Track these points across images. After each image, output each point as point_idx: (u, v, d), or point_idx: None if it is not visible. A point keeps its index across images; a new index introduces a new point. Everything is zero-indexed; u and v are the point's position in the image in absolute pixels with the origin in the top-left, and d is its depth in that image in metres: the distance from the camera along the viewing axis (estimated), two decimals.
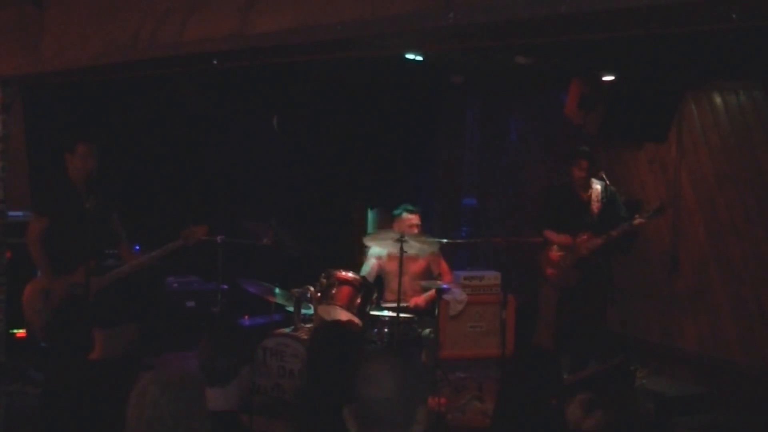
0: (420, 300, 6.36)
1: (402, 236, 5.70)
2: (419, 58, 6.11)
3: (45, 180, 5.81)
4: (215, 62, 4.72)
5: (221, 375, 2.93)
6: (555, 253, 6.57)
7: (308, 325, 5.84)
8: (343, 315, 5.79)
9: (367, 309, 5.90)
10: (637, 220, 6.29)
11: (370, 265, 6.43)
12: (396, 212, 6.43)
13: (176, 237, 5.55)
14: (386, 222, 6.95)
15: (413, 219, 6.34)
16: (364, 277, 6.08)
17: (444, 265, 6.66)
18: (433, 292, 6.27)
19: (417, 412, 2.41)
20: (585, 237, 6.39)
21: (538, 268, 6.78)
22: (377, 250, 6.43)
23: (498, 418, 3.07)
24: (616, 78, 6.42)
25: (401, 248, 5.68)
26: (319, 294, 5.83)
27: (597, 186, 6.52)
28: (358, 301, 5.86)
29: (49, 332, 5.22)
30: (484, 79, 8.16)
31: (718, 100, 6.85)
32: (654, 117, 6.59)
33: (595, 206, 6.50)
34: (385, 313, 5.98)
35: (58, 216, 5.34)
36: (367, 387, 2.42)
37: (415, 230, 6.24)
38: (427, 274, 6.48)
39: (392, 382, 2.40)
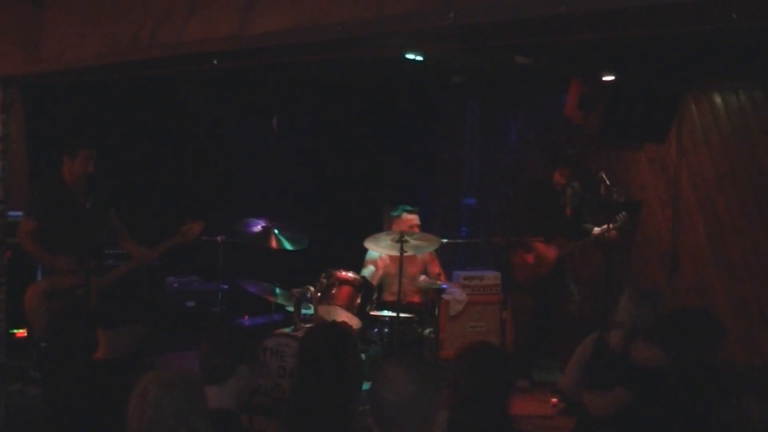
0: (415, 296, 6.40)
1: (402, 236, 5.70)
2: (419, 58, 6.10)
3: (38, 182, 5.79)
4: (215, 62, 4.72)
5: (218, 373, 2.95)
6: (527, 255, 6.65)
7: (308, 325, 5.83)
8: (343, 315, 5.79)
9: (367, 309, 5.90)
10: (596, 231, 6.40)
11: (369, 272, 6.41)
12: (395, 213, 6.43)
13: (175, 234, 5.56)
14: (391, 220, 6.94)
15: (413, 219, 6.34)
16: (364, 277, 6.08)
17: (438, 266, 6.67)
18: (425, 279, 6.31)
19: (436, 415, 2.38)
20: (558, 242, 6.52)
21: (510, 272, 6.76)
22: (375, 254, 6.42)
23: (452, 417, 3.04)
24: (616, 78, 6.42)
25: (401, 248, 5.68)
26: (319, 294, 5.82)
27: (569, 190, 6.57)
28: (358, 301, 5.85)
29: (52, 333, 5.22)
30: (484, 79, 8.16)
31: (718, 100, 6.85)
32: (654, 117, 6.58)
33: (568, 210, 6.63)
34: (385, 313, 5.98)
35: (51, 218, 5.32)
36: (384, 390, 2.39)
37: (416, 230, 6.25)
38: (425, 274, 6.51)
39: (410, 386, 2.38)
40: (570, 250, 6.63)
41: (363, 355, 5.54)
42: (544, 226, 6.51)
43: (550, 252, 6.55)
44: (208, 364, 2.97)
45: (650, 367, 3.53)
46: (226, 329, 3.27)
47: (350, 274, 5.92)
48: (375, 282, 6.29)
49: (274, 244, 6.02)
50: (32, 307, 5.27)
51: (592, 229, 6.49)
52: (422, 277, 6.47)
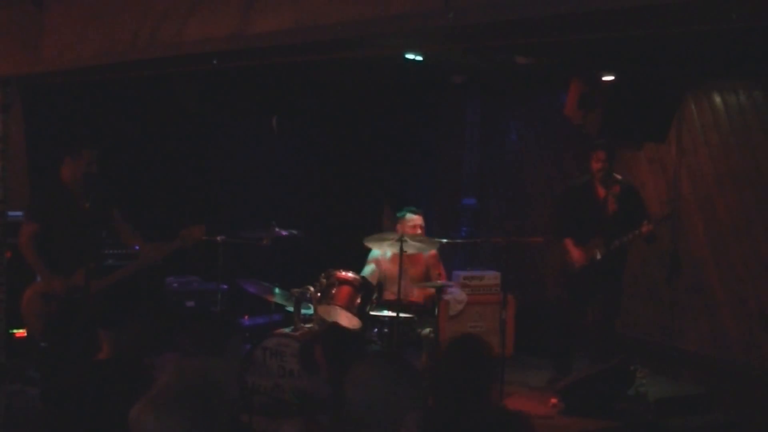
0: (419, 296, 6.40)
1: (402, 237, 5.74)
2: (419, 58, 6.10)
3: (38, 184, 5.79)
4: (215, 62, 4.72)
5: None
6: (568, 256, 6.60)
7: (308, 325, 5.84)
8: (343, 315, 5.79)
9: (367, 309, 5.90)
10: (645, 228, 6.24)
11: (370, 270, 6.42)
12: (400, 214, 6.47)
13: (176, 237, 5.54)
14: (391, 220, 6.97)
15: (416, 220, 6.38)
16: (364, 277, 6.08)
17: (442, 270, 6.68)
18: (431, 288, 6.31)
19: (406, 418, 2.35)
20: (596, 241, 6.39)
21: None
22: (377, 253, 6.44)
23: (434, 407, 3.02)
24: (616, 78, 6.41)
25: (401, 248, 5.70)
26: (319, 294, 5.83)
27: (618, 184, 6.49)
28: (358, 301, 5.86)
29: (49, 335, 5.22)
30: (484, 79, 8.16)
31: (718, 100, 6.85)
32: (654, 117, 6.58)
33: (611, 207, 6.46)
34: (385, 313, 5.99)
35: (51, 220, 5.31)
36: (353, 390, 2.38)
37: (419, 230, 6.29)
38: (426, 277, 6.51)
39: (380, 386, 2.36)
40: (612, 248, 6.36)
41: None
42: (578, 229, 6.49)
43: (576, 253, 6.48)
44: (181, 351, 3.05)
45: None
46: (198, 322, 3.29)
47: (350, 274, 5.93)
48: (375, 281, 6.30)
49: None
50: (30, 309, 5.27)
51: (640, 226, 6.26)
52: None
